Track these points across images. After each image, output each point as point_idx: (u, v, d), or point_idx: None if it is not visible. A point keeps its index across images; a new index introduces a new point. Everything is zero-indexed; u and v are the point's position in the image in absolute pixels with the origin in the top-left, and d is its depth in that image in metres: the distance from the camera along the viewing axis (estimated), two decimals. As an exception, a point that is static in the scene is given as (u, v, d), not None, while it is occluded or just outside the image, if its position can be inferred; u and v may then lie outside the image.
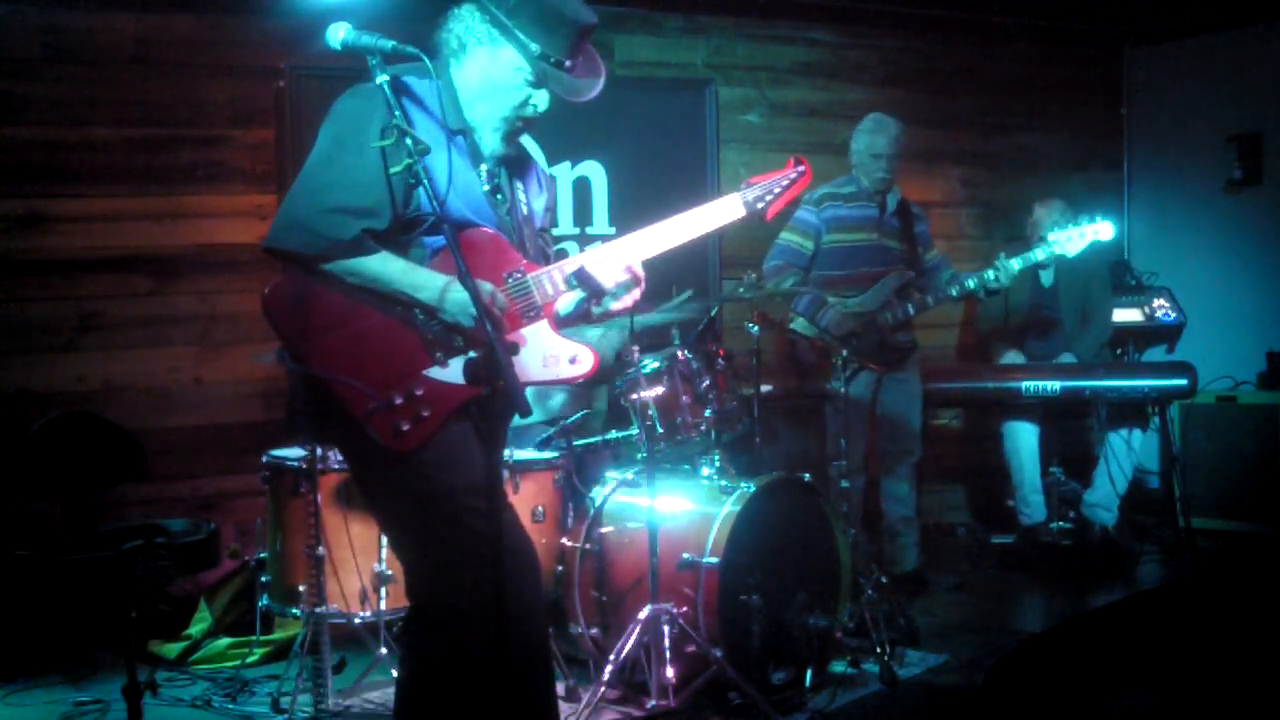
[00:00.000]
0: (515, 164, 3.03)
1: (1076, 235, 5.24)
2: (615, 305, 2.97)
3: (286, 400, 2.96)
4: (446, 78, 2.90)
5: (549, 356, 2.92)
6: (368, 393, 2.71)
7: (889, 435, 5.58)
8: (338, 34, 2.70)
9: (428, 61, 2.75)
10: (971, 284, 5.29)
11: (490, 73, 2.87)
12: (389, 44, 2.67)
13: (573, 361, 2.92)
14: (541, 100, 2.90)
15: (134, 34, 5.18)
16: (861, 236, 5.45)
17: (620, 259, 2.93)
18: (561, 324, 3.03)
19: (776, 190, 3.11)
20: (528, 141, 3.10)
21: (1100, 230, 5.24)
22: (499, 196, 2.96)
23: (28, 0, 5.02)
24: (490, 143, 2.92)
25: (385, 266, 2.76)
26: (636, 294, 2.97)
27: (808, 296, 5.36)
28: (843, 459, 4.70)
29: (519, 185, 3.04)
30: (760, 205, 3.09)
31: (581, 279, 2.90)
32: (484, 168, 2.93)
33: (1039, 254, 5.28)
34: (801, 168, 3.14)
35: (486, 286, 2.79)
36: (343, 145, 2.75)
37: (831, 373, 4.83)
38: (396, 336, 2.79)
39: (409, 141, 2.61)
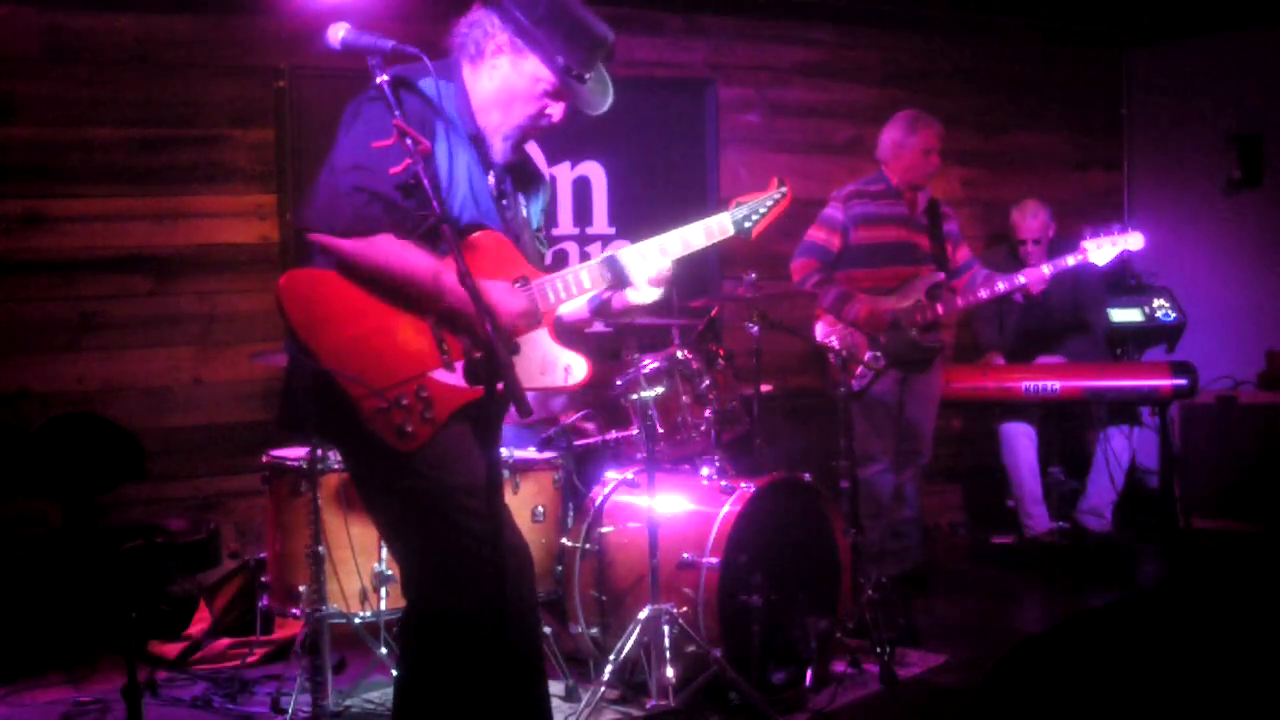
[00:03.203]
0: (518, 168, 3.04)
1: (1108, 244, 5.24)
2: (635, 298, 3.03)
3: (284, 392, 2.93)
4: (459, 82, 2.91)
5: (545, 364, 2.94)
6: (374, 392, 2.71)
7: (902, 434, 5.54)
8: (337, 34, 2.70)
9: (427, 62, 2.75)
10: (1002, 287, 5.29)
11: (510, 81, 2.88)
12: (389, 44, 2.68)
13: (567, 370, 2.94)
14: (557, 111, 2.92)
15: (134, 34, 5.18)
16: (890, 234, 5.42)
17: (646, 256, 3.01)
18: (573, 327, 3.08)
19: (761, 210, 3.16)
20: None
21: (1130, 241, 5.26)
22: (504, 202, 2.97)
23: (28, 0, 5.02)
24: (500, 150, 2.93)
25: (406, 254, 2.75)
26: (659, 291, 3.04)
27: (835, 290, 5.33)
28: (844, 458, 4.69)
29: (520, 190, 3.05)
30: (747, 224, 3.15)
31: (613, 266, 2.96)
32: (492, 173, 2.94)
33: (1070, 260, 5.28)
34: (784, 189, 3.20)
35: (502, 285, 2.80)
36: (368, 134, 2.74)
37: (838, 373, 4.77)
38: (408, 336, 2.79)
39: (410, 141, 2.62)
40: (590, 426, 4.66)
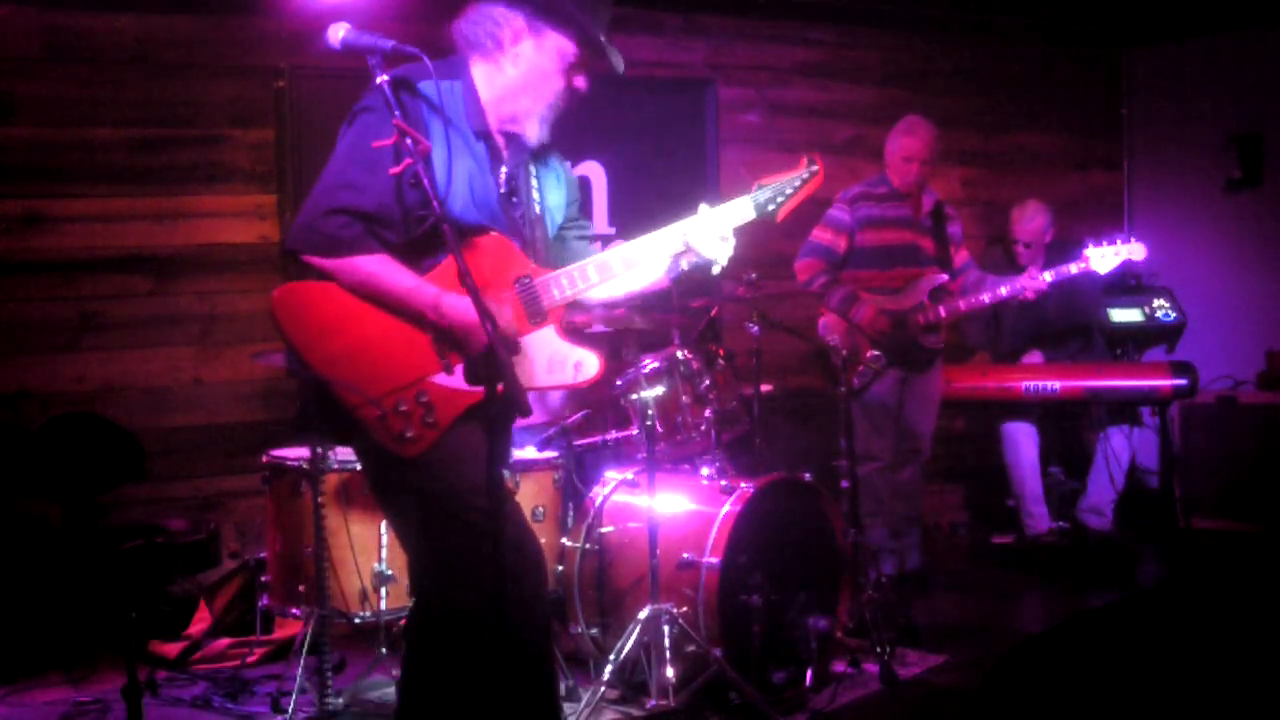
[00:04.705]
0: (536, 159, 3.04)
1: (1111, 254, 5.26)
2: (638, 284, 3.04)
3: (299, 396, 2.96)
4: (466, 79, 2.90)
5: (554, 362, 2.92)
6: (370, 400, 2.71)
7: (901, 434, 5.54)
8: (337, 34, 2.70)
9: (428, 62, 2.75)
10: (1004, 291, 5.29)
11: (536, 63, 2.89)
12: (389, 44, 2.67)
13: (577, 367, 2.92)
14: (582, 81, 2.94)
15: (134, 34, 5.18)
16: (894, 236, 5.41)
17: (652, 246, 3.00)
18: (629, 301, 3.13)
19: (789, 191, 3.04)
20: None
21: (1133, 251, 5.27)
22: (513, 199, 2.96)
23: (28, 0, 5.02)
24: (537, 133, 2.94)
25: (387, 269, 2.76)
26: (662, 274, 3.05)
27: (841, 290, 5.34)
28: (844, 458, 4.68)
29: (534, 184, 3.04)
30: (771, 208, 3.04)
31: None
32: (503, 171, 2.92)
33: (1073, 268, 5.29)
34: (815, 167, 3.06)
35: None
36: (357, 149, 2.75)
37: (840, 373, 4.75)
38: (406, 342, 2.79)
39: (410, 142, 2.62)
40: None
